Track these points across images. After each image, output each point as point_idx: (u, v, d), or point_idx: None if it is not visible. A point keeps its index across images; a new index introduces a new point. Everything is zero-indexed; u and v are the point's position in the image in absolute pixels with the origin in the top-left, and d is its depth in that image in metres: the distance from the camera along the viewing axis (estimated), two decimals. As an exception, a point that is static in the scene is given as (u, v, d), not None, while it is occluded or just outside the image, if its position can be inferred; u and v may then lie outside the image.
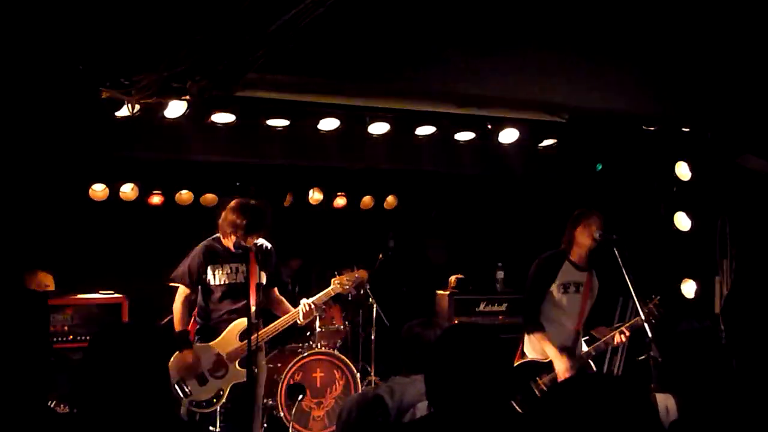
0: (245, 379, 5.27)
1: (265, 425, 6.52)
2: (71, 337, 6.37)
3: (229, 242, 5.33)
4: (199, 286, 5.44)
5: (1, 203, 7.04)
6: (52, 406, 5.25)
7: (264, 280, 5.39)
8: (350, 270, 5.73)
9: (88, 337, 6.21)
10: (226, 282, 5.38)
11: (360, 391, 4.40)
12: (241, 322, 5.33)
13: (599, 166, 7.88)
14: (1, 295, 2.70)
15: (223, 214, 5.32)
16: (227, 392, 5.35)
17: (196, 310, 5.55)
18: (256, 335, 4.88)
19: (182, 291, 5.43)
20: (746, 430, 1.96)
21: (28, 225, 7.25)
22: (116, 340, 2.65)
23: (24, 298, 2.76)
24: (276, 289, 5.62)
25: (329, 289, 5.57)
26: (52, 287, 6.74)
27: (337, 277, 5.62)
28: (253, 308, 5.28)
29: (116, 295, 6.75)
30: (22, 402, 2.51)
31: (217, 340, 5.38)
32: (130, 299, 6.68)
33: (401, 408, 3.35)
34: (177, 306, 5.43)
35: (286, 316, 5.44)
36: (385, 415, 3.36)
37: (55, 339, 6.19)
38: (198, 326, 5.52)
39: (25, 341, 2.58)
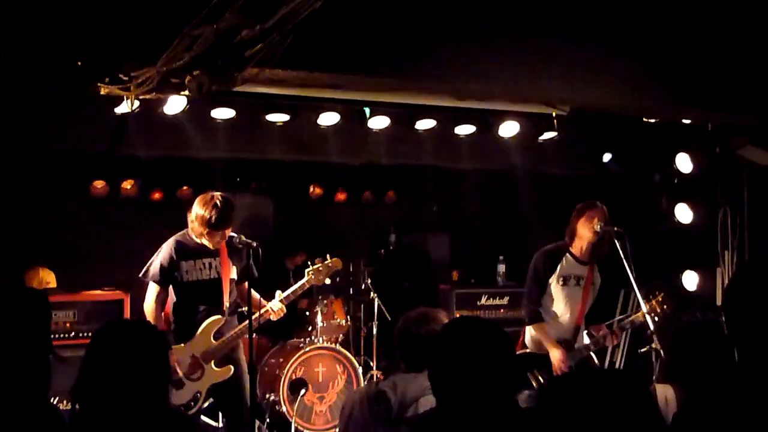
0: (222, 379, 5.19)
1: (268, 420, 6.53)
2: (73, 333, 6.38)
3: (202, 239, 5.15)
4: (170, 284, 5.23)
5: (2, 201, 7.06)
6: (55, 402, 5.26)
7: (234, 275, 5.30)
8: (323, 260, 5.70)
9: (90, 334, 6.21)
10: (199, 278, 5.19)
11: (362, 385, 4.38)
12: (214, 321, 5.20)
13: (607, 157, 7.85)
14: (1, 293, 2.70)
15: (192, 213, 5.12)
16: (204, 394, 5.20)
17: (167, 309, 5.34)
18: (258, 333, 4.87)
19: (154, 289, 5.19)
20: (748, 422, 1.96)
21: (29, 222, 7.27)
22: (117, 337, 2.66)
23: (24, 296, 2.75)
24: (246, 283, 5.27)
25: (303, 281, 5.52)
26: (53, 284, 6.76)
27: (311, 267, 5.59)
28: (226, 304, 5.26)
29: (118, 292, 6.76)
30: (23, 400, 2.51)
31: (192, 340, 5.19)
32: (131, 296, 6.68)
33: (404, 403, 3.36)
34: (150, 306, 5.18)
35: (257, 315, 5.22)
36: (388, 409, 3.37)
37: (57, 336, 6.20)
38: (170, 327, 5.29)
39: (26, 339, 2.58)
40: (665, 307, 5.31)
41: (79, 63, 3.88)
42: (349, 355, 6.84)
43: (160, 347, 2.63)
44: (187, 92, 4.07)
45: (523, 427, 2.44)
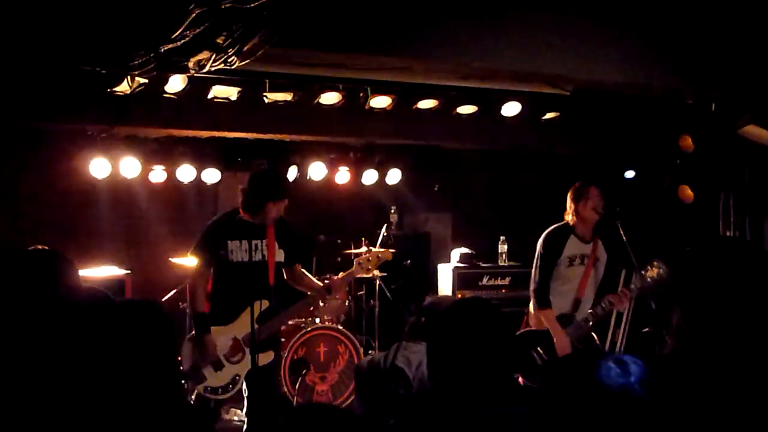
0: (263, 364, 4.97)
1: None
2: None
3: (248, 217, 5.02)
4: (216, 263, 5.07)
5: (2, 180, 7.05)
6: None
7: (282, 258, 5.16)
8: (372, 251, 5.60)
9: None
10: (245, 260, 5.02)
11: (363, 360, 4.21)
12: (259, 304, 4.92)
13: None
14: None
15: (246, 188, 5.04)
16: (243, 378, 5.08)
17: (209, 289, 5.20)
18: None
19: (199, 267, 5.08)
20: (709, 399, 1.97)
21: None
22: (121, 317, 2.64)
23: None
24: (299, 265, 5.32)
25: (350, 270, 5.40)
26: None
27: (360, 257, 5.47)
28: (271, 288, 5.10)
29: (119, 272, 6.75)
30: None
31: (234, 322, 5.06)
32: (133, 276, 6.68)
33: (423, 380, 3.28)
34: (193, 284, 5.11)
35: (301, 302, 5.26)
36: (407, 387, 3.30)
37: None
38: (212, 307, 5.14)
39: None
40: (661, 270, 5.31)
41: (80, 41, 3.84)
42: (350, 334, 6.84)
43: (166, 328, 2.60)
44: (188, 71, 4.05)
45: (519, 407, 2.45)
